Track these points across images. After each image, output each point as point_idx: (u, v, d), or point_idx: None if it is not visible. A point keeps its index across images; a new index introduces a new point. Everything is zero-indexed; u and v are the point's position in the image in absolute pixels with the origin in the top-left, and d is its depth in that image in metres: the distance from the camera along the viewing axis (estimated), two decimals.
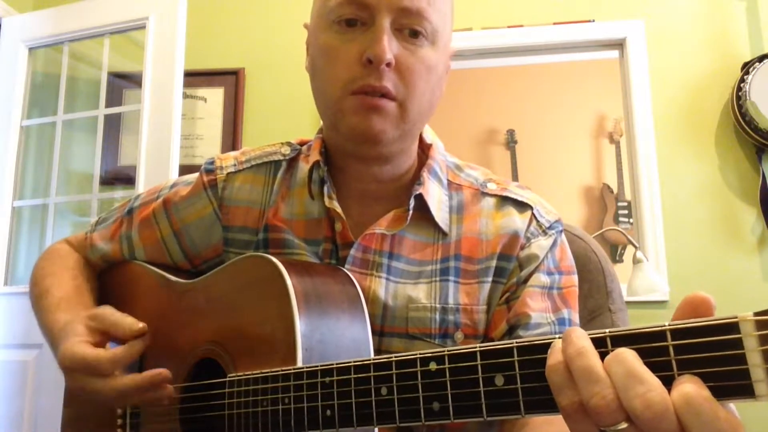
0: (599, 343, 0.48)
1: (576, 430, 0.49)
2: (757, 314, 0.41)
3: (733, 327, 0.42)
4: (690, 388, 0.43)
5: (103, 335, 0.89)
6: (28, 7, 3.19)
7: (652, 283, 2.32)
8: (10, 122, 2.90)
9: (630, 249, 2.64)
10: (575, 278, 0.95)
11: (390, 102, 0.86)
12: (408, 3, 0.84)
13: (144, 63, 2.72)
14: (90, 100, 3.01)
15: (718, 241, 2.69)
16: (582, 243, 1.32)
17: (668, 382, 0.44)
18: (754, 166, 2.71)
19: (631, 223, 2.83)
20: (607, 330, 0.48)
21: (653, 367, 0.45)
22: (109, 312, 0.90)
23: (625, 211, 2.87)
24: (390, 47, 0.83)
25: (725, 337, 0.42)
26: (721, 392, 0.42)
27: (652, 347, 0.46)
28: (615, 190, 2.89)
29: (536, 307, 0.88)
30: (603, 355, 0.48)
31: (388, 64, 0.84)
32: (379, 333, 0.88)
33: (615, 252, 2.87)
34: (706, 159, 2.76)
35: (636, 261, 2.37)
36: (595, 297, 1.28)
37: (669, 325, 0.45)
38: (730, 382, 0.42)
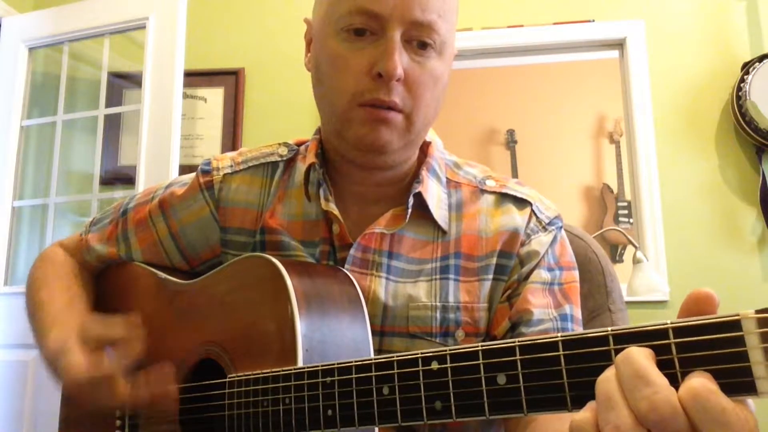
0: (601, 341, 0.48)
1: None
2: (759, 312, 0.42)
3: (735, 325, 0.42)
4: (697, 382, 0.43)
5: (98, 342, 0.87)
6: (28, 7, 3.19)
7: (652, 283, 2.32)
8: (10, 122, 2.90)
9: (630, 249, 2.64)
10: (576, 273, 0.95)
11: (397, 114, 0.86)
12: (420, 16, 0.83)
13: (144, 63, 2.72)
14: (90, 100, 3.01)
15: (718, 241, 2.69)
16: (582, 243, 1.32)
17: (672, 380, 0.44)
18: (754, 166, 2.71)
19: (631, 223, 2.83)
20: (609, 328, 0.48)
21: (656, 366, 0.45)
22: (97, 318, 0.89)
23: (625, 211, 2.87)
24: (400, 61, 0.83)
25: (727, 334, 0.43)
26: (724, 390, 0.42)
27: (654, 345, 0.46)
28: (615, 190, 2.90)
29: (538, 303, 0.88)
30: (606, 354, 0.48)
31: (398, 79, 0.83)
32: (379, 333, 0.88)
33: (615, 252, 2.87)
34: (706, 159, 2.76)
35: (636, 261, 2.37)
36: (595, 297, 1.27)
37: (671, 322, 0.45)
38: (733, 380, 0.42)
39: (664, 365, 0.45)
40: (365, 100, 0.84)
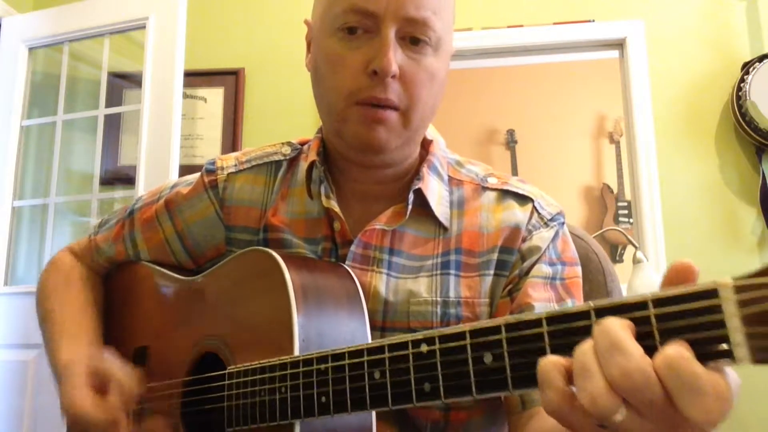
0: (583, 315, 0.49)
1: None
2: (736, 279, 0.42)
3: (712, 293, 0.43)
4: (672, 350, 0.43)
5: (105, 376, 0.89)
6: (28, 7, 3.20)
7: (652, 283, 2.32)
8: (10, 122, 2.91)
9: (630, 249, 2.64)
10: (579, 269, 0.95)
11: (393, 112, 0.86)
12: (414, 13, 0.84)
13: (144, 63, 2.73)
14: (90, 100, 3.02)
15: (718, 241, 2.69)
16: (582, 243, 1.32)
17: (652, 351, 0.44)
18: (754, 166, 2.71)
19: (631, 223, 2.83)
20: (591, 302, 0.48)
21: (636, 337, 0.45)
22: (111, 369, 0.89)
23: (625, 211, 2.87)
24: (395, 58, 0.83)
25: (705, 303, 0.43)
26: (703, 358, 0.43)
27: (634, 317, 0.46)
28: (615, 190, 2.89)
29: (538, 297, 0.88)
30: (588, 328, 0.48)
31: (393, 76, 0.84)
32: (380, 328, 0.89)
33: (615, 252, 2.86)
34: (706, 159, 2.76)
35: (636, 261, 2.36)
36: (595, 297, 1.28)
37: (651, 294, 0.46)
38: (711, 348, 0.43)
39: (643, 337, 0.45)
40: (362, 98, 0.85)
